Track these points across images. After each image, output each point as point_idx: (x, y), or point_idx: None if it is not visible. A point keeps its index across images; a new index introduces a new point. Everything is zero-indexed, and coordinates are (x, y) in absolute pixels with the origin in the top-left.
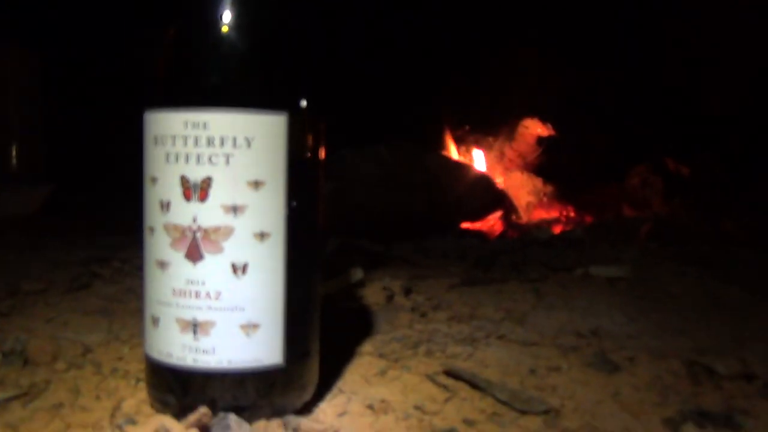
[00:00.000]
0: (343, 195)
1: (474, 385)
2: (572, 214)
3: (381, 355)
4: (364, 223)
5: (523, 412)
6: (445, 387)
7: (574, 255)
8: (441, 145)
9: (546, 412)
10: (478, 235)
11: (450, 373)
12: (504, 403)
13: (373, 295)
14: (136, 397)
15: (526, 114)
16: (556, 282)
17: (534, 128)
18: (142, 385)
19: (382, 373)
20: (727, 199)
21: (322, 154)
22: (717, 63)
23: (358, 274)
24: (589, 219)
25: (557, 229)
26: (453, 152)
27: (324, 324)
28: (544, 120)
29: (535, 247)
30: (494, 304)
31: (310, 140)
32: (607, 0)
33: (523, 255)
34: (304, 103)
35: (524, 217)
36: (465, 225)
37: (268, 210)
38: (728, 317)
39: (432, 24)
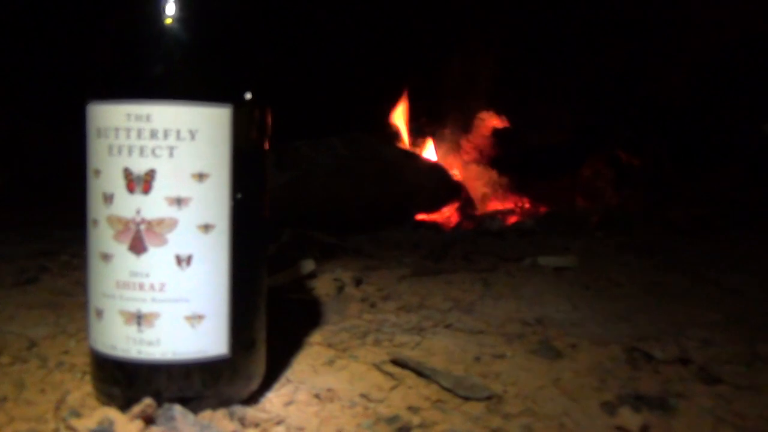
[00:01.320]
0: (298, 186)
1: (419, 373)
2: (527, 205)
3: (330, 345)
4: (319, 214)
5: (467, 399)
6: (391, 375)
7: (525, 245)
8: (397, 137)
9: (488, 398)
10: (434, 226)
11: (396, 362)
12: (448, 390)
13: (324, 286)
14: (82, 390)
15: (482, 107)
16: (505, 272)
17: (490, 121)
18: (88, 378)
19: (330, 362)
20: (674, 190)
21: (267, 146)
22: (666, 54)
23: (309, 265)
24: (543, 209)
25: (512, 220)
26: (409, 144)
27: (274, 315)
28: (499, 113)
29: (487, 237)
30: (443, 294)
31: (255, 132)
32: None
33: (474, 245)
34: (249, 95)
35: (480, 208)
36: (421, 216)
37: (212, 202)
38: (669, 303)
39: (389, 16)
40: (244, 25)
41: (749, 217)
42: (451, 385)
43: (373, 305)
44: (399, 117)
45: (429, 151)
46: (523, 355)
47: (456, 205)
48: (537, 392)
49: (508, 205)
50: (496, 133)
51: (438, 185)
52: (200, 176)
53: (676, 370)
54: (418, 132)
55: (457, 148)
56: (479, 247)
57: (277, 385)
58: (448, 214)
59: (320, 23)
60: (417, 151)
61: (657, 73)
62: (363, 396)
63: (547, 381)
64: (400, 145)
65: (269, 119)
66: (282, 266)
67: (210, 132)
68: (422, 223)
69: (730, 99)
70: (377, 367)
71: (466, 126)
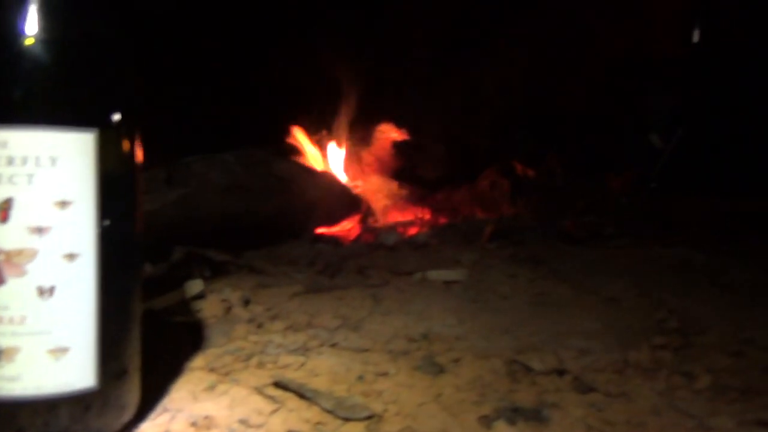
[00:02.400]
0: (189, 204)
1: (301, 395)
2: (427, 217)
3: (212, 370)
4: (213, 231)
5: (347, 420)
6: (272, 399)
7: (417, 259)
8: (297, 151)
9: (368, 417)
10: (333, 240)
11: (278, 385)
12: (329, 411)
13: (211, 307)
14: None
15: (382, 119)
16: (396, 287)
17: (390, 133)
18: None
19: (211, 387)
20: (567, 199)
21: (137, 169)
22: (560, 68)
23: (197, 286)
24: (443, 220)
25: (413, 231)
26: (309, 158)
27: (155, 340)
28: (399, 125)
29: (381, 251)
30: (333, 312)
31: (123, 157)
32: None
33: (370, 260)
34: (115, 118)
35: (381, 221)
36: (321, 230)
37: (76, 230)
38: (551, 314)
39: (287, 29)
40: (108, 45)
41: (637, 225)
42: (332, 407)
43: (260, 326)
44: (298, 131)
45: (332, 165)
46: (406, 372)
47: (357, 217)
48: (417, 409)
49: (409, 216)
50: (396, 145)
51: (337, 199)
52: (63, 204)
53: (553, 380)
54: (318, 145)
55: (358, 160)
56: (374, 262)
57: (153, 415)
58: (349, 227)
59: (213, 34)
60: (315, 165)
61: (552, 85)
62: (242, 422)
63: (428, 397)
64: (299, 160)
65: (138, 142)
66: (170, 287)
67: (72, 158)
68: (321, 237)
69: (620, 111)
70: (259, 390)
71: (366, 138)
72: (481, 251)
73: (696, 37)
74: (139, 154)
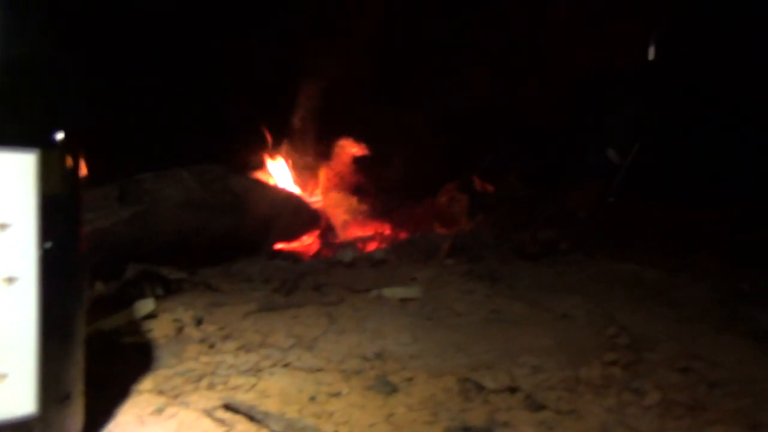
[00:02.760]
0: (144, 220)
1: (251, 417)
2: (387, 232)
3: (160, 392)
4: (168, 248)
5: None
6: (222, 422)
7: (374, 276)
8: (255, 165)
9: None
10: (291, 256)
11: (228, 407)
12: None
13: (162, 327)
14: None
15: (341, 134)
16: (351, 305)
17: (349, 148)
18: None
19: (159, 411)
20: (524, 215)
21: (80, 189)
22: (520, 85)
23: (148, 305)
24: (403, 236)
25: (372, 246)
26: (268, 173)
27: (103, 362)
28: (358, 140)
29: (339, 268)
30: (287, 331)
31: (66, 177)
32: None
33: (327, 276)
34: (57, 138)
35: (341, 236)
36: (280, 246)
37: (15, 253)
38: (507, 331)
39: (240, 47)
40: (48, 64)
41: (594, 239)
42: (282, 429)
43: (212, 346)
44: (257, 146)
45: (288, 180)
46: (359, 392)
47: (316, 233)
48: (368, 430)
49: (369, 231)
50: (356, 160)
51: (296, 214)
52: (1, 226)
53: (505, 398)
54: (277, 160)
55: (318, 175)
56: (331, 279)
57: None
58: (308, 243)
59: (170, 50)
60: (272, 180)
61: (512, 99)
62: None
63: (379, 418)
64: (257, 175)
65: (82, 162)
66: (121, 306)
67: (11, 179)
68: (280, 252)
69: (579, 128)
70: (208, 413)
71: (327, 153)
72: (439, 268)
73: (653, 53)
74: (83, 174)
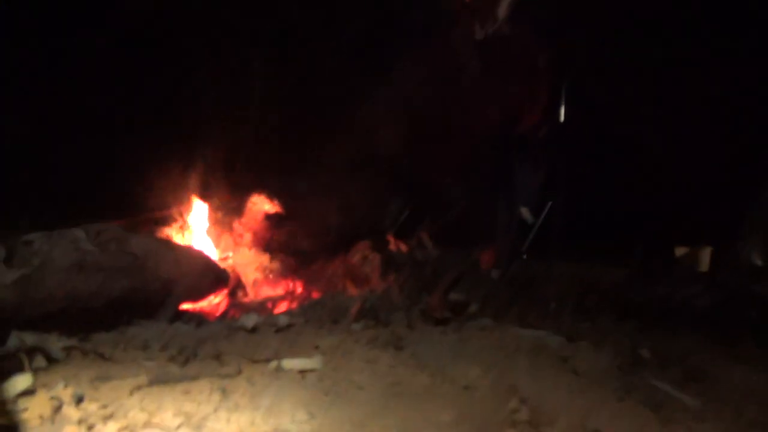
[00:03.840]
0: (31, 284)
1: None
2: (299, 290)
3: None
4: (59, 313)
5: None
6: None
7: (277, 344)
8: (160, 221)
9: None
10: (196, 317)
11: None
12: None
13: (38, 406)
14: None
15: (253, 190)
16: (248, 378)
17: (262, 205)
18: None
19: None
20: (434, 276)
21: None
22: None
23: (24, 381)
24: (315, 294)
25: (282, 305)
26: (173, 230)
27: None
28: (271, 197)
29: (241, 334)
30: (175, 408)
31: None
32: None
33: (228, 343)
34: None
35: (251, 295)
36: (185, 305)
37: None
38: (408, 405)
39: (150, 99)
40: None
41: (502, 300)
42: None
43: (91, 428)
44: (164, 202)
45: (198, 237)
46: None
47: (225, 291)
48: None
49: (280, 289)
50: (268, 217)
51: (201, 274)
52: None
53: None
54: (183, 217)
55: (229, 231)
56: (232, 346)
57: None
58: (216, 302)
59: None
60: (180, 237)
61: (426, 158)
62: None
63: None
64: (165, 231)
65: None
66: None
67: None
68: (185, 313)
69: (491, 184)
70: None
71: (239, 209)
72: (345, 333)
73: (562, 115)
74: None
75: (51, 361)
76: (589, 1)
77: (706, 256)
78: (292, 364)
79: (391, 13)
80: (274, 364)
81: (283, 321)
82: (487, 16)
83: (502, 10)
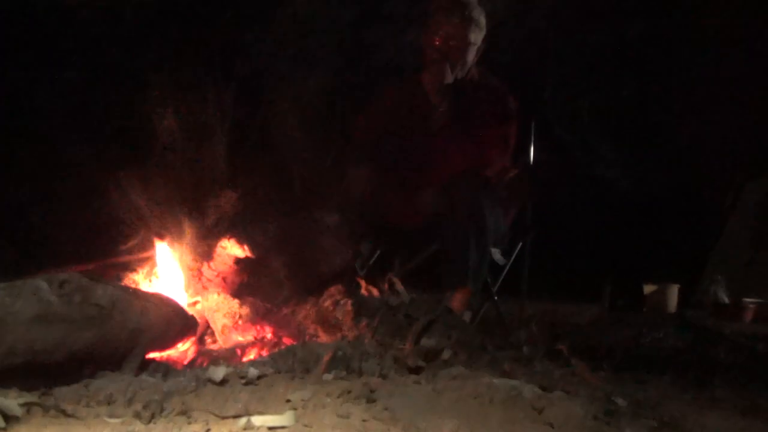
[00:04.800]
0: None
1: None
2: (270, 336)
3: None
4: (18, 368)
5: None
6: None
7: (246, 397)
8: (125, 268)
9: None
10: (163, 366)
11: None
12: None
13: None
14: None
15: (223, 234)
16: None
17: (232, 249)
18: None
19: None
20: (407, 322)
21: None
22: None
23: None
24: (286, 340)
25: (252, 351)
26: (139, 278)
27: None
28: (240, 241)
29: (209, 386)
30: None
31: None
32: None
33: (195, 397)
34: None
35: (220, 341)
36: (153, 354)
37: None
38: None
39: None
40: None
41: (475, 346)
42: None
43: None
44: (129, 248)
45: (165, 282)
46: None
47: (193, 338)
48: None
49: (250, 335)
50: (238, 261)
51: (168, 321)
52: None
53: None
54: (150, 263)
55: (198, 276)
56: (199, 400)
57: None
58: (184, 349)
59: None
60: (147, 284)
61: (394, 202)
62: None
63: None
64: (130, 277)
65: None
66: None
67: None
68: (151, 362)
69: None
70: None
71: (208, 254)
72: (316, 385)
73: (530, 157)
74: None
75: (9, 419)
76: (556, 44)
77: (673, 293)
78: (262, 420)
79: (359, 57)
80: (243, 420)
81: (253, 373)
82: (457, 60)
83: (471, 55)
